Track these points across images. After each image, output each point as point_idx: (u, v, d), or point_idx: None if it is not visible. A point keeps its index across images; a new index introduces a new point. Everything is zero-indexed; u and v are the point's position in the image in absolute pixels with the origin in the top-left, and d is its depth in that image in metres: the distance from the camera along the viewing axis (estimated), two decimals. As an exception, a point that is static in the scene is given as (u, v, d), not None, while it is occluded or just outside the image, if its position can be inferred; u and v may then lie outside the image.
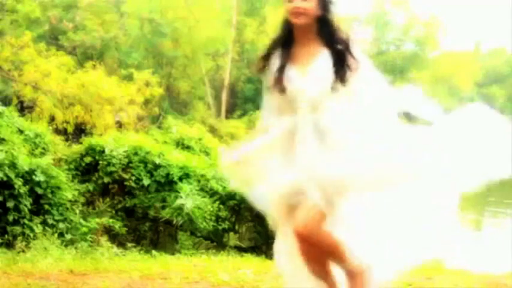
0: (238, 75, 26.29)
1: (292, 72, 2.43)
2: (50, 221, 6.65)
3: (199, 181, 8.61)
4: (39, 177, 6.65)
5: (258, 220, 7.82)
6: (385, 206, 2.39)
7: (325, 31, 2.40)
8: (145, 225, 8.52)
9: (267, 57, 2.50)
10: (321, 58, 2.40)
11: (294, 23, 2.39)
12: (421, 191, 2.39)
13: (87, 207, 7.94)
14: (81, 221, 7.11)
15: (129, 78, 16.76)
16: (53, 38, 19.97)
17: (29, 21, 18.49)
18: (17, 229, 6.26)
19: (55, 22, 19.76)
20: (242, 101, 26.32)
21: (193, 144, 11.58)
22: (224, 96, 24.87)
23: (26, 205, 6.42)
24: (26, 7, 17.73)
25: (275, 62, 2.48)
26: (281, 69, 2.44)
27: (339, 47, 2.38)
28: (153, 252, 6.39)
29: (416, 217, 2.41)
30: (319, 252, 2.36)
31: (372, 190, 2.37)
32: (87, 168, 8.48)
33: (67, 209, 7.01)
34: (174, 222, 7.87)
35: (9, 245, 5.96)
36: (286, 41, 2.47)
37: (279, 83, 2.42)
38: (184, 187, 8.12)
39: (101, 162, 8.35)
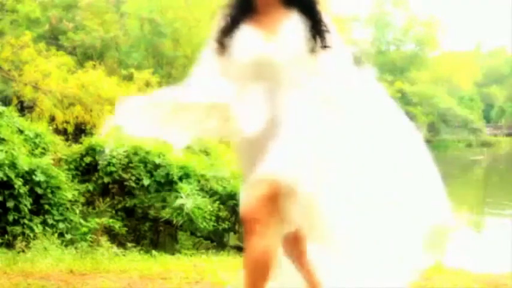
0: (238, 75, 26.27)
1: (252, 34, 2.12)
2: (50, 221, 6.65)
3: (199, 181, 8.62)
4: (39, 177, 6.66)
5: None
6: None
7: None
8: (145, 225, 8.52)
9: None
10: (290, 22, 2.12)
11: None
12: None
13: (87, 207, 7.94)
14: (81, 221, 7.11)
15: (129, 78, 16.76)
16: (53, 38, 19.96)
17: (29, 21, 18.50)
18: (17, 229, 6.27)
19: (55, 22, 19.76)
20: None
21: (193, 144, 11.57)
22: (224, 96, 24.83)
23: (26, 205, 6.43)
24: (26, 7, 17.75)
25: (226, 20, 2.18)
26: (233, 27, 2.13)
27: (311, 6, 2.12)
28: (153, 252, 6.38)
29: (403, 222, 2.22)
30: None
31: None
32: (87, 168, 8.48)
33: (67, 209, 7.01)
34: (174, 222, 7.87)
35: (9, 245, 5.96)
36: (244, 7, 2.17)
37: (227, 43, 2.12)
38: (184, 187, 8.12)
39: (100, 162, 8.35)
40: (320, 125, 2.09)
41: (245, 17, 2.15)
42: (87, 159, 8.44)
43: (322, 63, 2.14)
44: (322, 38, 2.12)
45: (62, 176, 7.12)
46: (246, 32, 2.13)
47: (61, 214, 6.83)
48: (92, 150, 8.49)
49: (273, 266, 2.03)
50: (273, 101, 2.10)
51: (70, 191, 7.20)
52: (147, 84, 15.91)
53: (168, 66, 23.61)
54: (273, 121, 2.09)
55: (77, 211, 7.22)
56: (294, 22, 2.12)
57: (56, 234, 6.32)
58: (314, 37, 2.12)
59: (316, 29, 2.12)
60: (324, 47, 2.12)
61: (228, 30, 2.15)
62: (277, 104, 2.10)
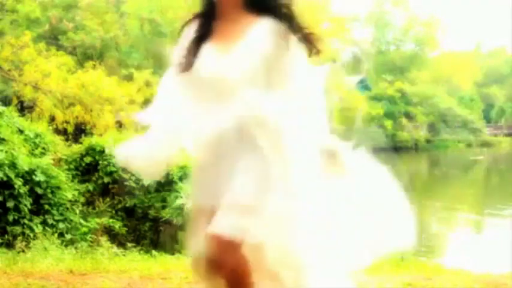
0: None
1: (207, 49, 1.91)
2: (50, 221, 6.66)
3: (199, 181, 8.62)
4: (39, 177, 6.66)
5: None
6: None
7: None
8: (145, 225, 8.52)
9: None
10: (255, 31, 1.86)
11: None
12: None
13: (87, 207, 7.95)
14: (81, 221, 7.12)
15: (129, 78, 16.77)
16: (53, 38, 19.96)
17: (29, 21, 18.51)
18: (17, 229, 6.27)
19: (55, 22, 19.77)
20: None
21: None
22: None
23: (26, 205, 6.43)
24: (26, 7, 17.74)
25: (188, 35, 1.99)
26: (194, 45, 1.94)
27: (285, 10, 1.86)
28: (153, 252, 6.38)
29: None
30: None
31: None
32: (87, 168, 8.49)
33: (67, 209, 7.02)
34: (174, 222, 7.87)
35: (9, 245, 5.97)
36: (207, 15, 1.99)
37: (188, 63, 1.93)
38: (184, 187, 8.12)
39: (101, 162, 8.36)
40: (301, 137, 1.88)
41: (207, 27, 1.98)
42: (87, 159, 8.45)
43: (299, 73, 1.91)
44: (308, 45, 1.90)
45: (62, 176, 7.13)
46: (204, 47, 1.93)
47: (61, 214, 6.84)
48: (92, 150, 8.50)
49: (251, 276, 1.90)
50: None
51: (70, 191, 7.21)
52: (147, 84, 15.90)
53: (168, 66, 23.61)
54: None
55: (77, 211, 7.22)
56: (259, 31, 1.87)
57: (56, 234, 6.33)
58: (306, 37, 1.92)
59: (300, 36, 1.88)
60: (312, 54, 1.90)
61: (193, 45, 1.97)
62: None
